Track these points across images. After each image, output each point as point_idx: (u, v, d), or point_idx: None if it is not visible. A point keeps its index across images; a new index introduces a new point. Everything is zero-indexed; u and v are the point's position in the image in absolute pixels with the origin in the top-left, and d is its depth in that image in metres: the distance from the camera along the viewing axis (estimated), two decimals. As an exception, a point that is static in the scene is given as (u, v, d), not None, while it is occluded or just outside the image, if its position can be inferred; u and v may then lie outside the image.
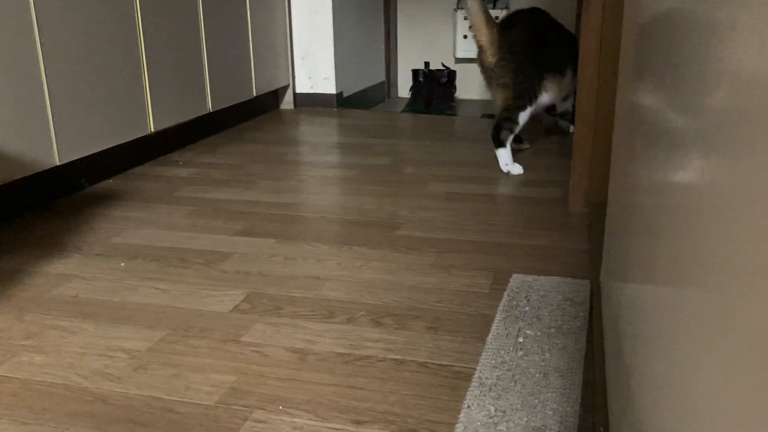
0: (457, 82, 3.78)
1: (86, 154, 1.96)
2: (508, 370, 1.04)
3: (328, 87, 3.28)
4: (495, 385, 1.00)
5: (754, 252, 0.31)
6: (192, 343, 1.15)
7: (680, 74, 0.55)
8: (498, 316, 1.21)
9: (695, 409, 0.40)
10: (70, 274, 1.42)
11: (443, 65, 3.72)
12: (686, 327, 0.45)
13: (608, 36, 1.64)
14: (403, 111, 3.45)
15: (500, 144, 2.17)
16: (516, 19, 2.25)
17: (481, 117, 3.19)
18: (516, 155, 2.27)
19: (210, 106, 2.58)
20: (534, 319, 1.20)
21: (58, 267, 1.46)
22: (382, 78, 3.96)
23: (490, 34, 2.17)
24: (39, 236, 1.64)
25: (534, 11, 2.30)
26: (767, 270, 0.29)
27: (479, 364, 1.06)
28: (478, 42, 2.22)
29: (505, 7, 3.77)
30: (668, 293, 0.53)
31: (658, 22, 0.71)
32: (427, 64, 3.73)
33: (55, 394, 1.01)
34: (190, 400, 0.99)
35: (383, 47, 3.94)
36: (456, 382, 1.03)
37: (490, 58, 2.19)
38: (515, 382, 1.01)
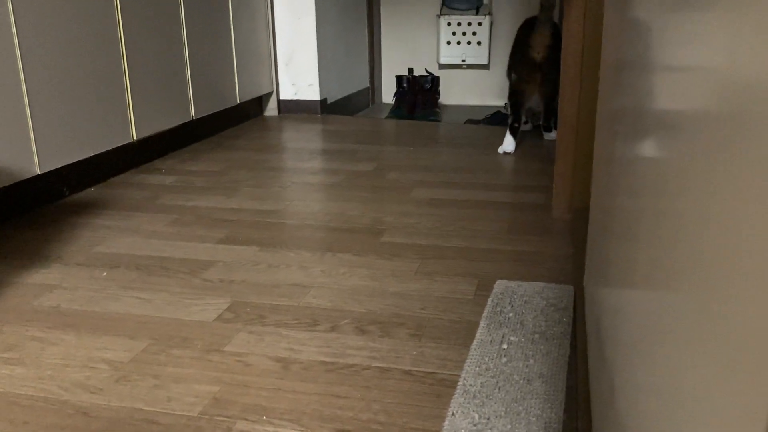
0: (441, 88, 3.79)
1: (67, 163, 1.94)
2: (492, 377, 1.04)
3: (312, 93, 3.28)
4: (479, 393, 1.00)
5: (732, 255, 0.31)
6: (174, 353, 1.14)
7: (657, 78, 0.56)
8: (482, 323, 1.21)
9: (677, 413, 0.41)
10: (51, 284, 1.41)
11: (427, 71, 3.73)
12: (666, 331, 0.45)
13: (590, 41, 1.65)
14: (387, 117, 3.46)
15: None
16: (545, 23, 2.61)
17: (465, 123, 3.20)
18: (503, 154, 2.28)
19: (193, 114, 2.57)
20: (518, 325, 1.20)
21: (38, 277, 1.44)
22: (366, 84, 3.96)
23: (549, 38, 2.49)
24: (19, 246, 1.63)
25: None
26: (745, 273, 0.29)
27: (463, 371, 1.06)
28: (532, 42, 2.50)
29: (488, 13, 3.79)
30: (648, 297, 0.54)
31: (637, 26, 0.72)
32: (410, 70, 3.73)
33: (35, 407, 1.00)
34: (173, 411, 0.98)
35: (367, 53, 3.95)
36: (440, 389, 1.03)
37: (538, 55, 2.51)
38: (499, 389, 1.01)
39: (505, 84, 3.87)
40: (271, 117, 3.26)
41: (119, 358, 1.13)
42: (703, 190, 0.37)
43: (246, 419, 0.96)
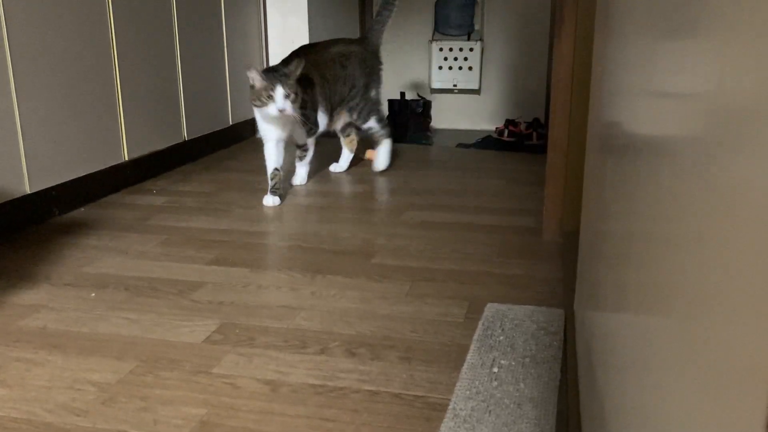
0: (433, 112, 3.81)
1: (58, 182, 1.94)
2: (483, 401, 1.03)
3: (305, 116, 3.28)
4: (469, 417, 0.99)
5: (723, 280, 0.31)
6: (162, 375, 1.13)
7: (647, 102, 0.56)
8: (472, 346, 1.20)
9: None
10: (38, 305, 1.39)
11: (418, 95, 3.75)
12: (657, 355, 0.45)
13: (580, 65, 1.67)
14: (379, 140, 3.46)
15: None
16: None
17: (456, 146, 3.22)
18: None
19: (185, 135, 2.57)
20: (508, 349, 1.19)
21: (26, 297, 1.43)
22: (359, 107, 3.97)
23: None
24: (7, 266, 1.61)
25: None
26: (737, 297, 0.29)
27: (454, 395, 1.05)
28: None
29: (480, 39, 3.82)
30: (638, 322, 0.53)
31: (627, 51, 0.72)
32: (402, 94, 3.75)
33: (18, 429, 0.98)
34: (159, 434, 0.97)
35: (359, 77, 3.96)
36: (430, 413, 1.02)
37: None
38: (489, 412, 1.00)
39: (496, 108, 3.90)
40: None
41: (106, 379, 1.11)
42: (693, 213, 0.37)
43: (233, 442, 0.95)
